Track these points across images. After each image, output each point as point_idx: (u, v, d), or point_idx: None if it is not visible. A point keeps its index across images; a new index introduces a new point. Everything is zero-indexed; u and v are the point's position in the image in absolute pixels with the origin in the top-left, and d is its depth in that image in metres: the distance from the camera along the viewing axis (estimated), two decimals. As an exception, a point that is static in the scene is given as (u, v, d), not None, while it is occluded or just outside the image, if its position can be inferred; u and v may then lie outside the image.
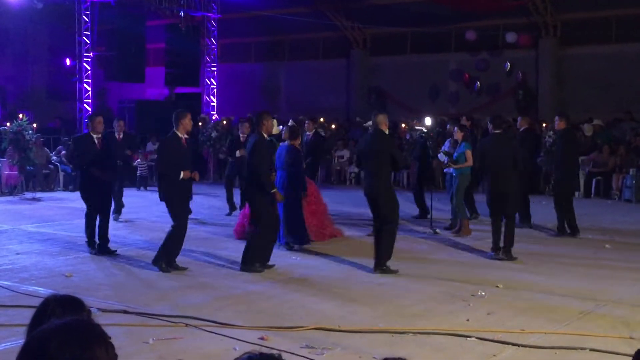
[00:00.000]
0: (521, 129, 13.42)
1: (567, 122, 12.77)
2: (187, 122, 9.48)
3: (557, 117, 12.91)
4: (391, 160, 9.47)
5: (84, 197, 10.80)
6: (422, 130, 14.53)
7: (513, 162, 10.30)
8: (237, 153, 14.14)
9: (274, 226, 9.70)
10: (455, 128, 12.82)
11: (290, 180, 10.85)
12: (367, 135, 10.10)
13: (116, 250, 10.56)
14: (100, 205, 10.63)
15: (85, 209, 10.72)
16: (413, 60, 26.48)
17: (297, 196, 10.86)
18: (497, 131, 10.73)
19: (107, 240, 10.62)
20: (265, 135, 9.54)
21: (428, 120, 14.46)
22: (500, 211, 10.42)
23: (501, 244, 10.40)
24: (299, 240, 10.99)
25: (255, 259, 9.44)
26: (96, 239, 10.61)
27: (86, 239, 10.69)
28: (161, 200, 9.58)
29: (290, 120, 12.64)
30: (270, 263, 9.60)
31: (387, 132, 9.81)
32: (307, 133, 15.11)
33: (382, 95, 27.00)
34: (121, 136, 13.67)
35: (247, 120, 15.37)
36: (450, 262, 10.25)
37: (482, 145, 11.10)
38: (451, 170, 12.59)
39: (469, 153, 12.26)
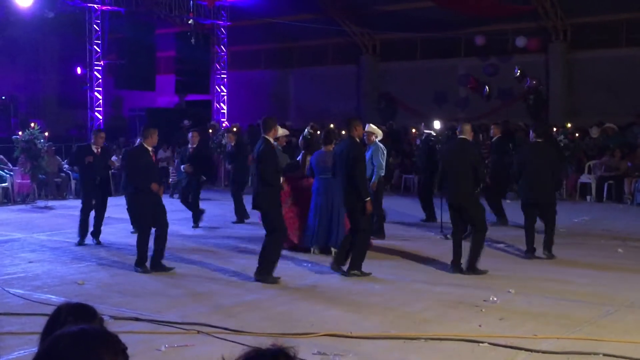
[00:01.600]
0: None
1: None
2: (277, 127, 9.77)
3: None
4: (474, 171, 9.73)
5: (141, 218, 10.22)
6: (430, 133, 14.50)
7: (551, 170, 10.76)
8: (182, 168, 13.91)
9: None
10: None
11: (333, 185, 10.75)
12: (451, 143, 10.42)
13: (173, 268, 9.93)
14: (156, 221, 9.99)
15: (139, 230, 10.04)
16: (423, 65, 26.48)
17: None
18: (539, 140, 11.03)
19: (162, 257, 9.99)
20: (357, 140, 9.61)
21: (437, 124, 14.42)
22: (534, 217, 10.85)
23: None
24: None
25: (360, 264, 9.46)
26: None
27: (138, 259, 9.89)
28: (257, 209, 9.43)
29: (307, 129, 12.56)
30: (289, 271, 9.67)
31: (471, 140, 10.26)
32: (230, 143, 15.39)
33: (392, 101, 27.00)
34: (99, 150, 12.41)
35: (197, 130, 15.22)
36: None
37: (521, 153, 11.43)
38: None
39: None
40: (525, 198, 11.08)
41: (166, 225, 9.96)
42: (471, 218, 9.82)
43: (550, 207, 10.85)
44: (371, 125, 12.96)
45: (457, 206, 9.78)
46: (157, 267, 9.78)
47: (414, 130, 20.97)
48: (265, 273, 9.10)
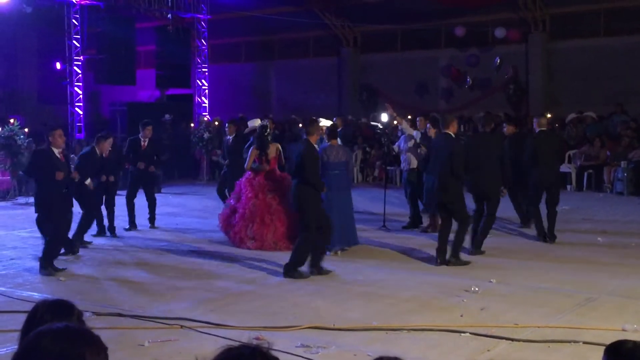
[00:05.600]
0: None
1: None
2: (455, 122, 10.32)
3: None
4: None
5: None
6: (377, 126, 14.33)
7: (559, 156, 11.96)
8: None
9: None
10: (428, 125, 12.26)
11: (346, 181, 10.81)
12: (541, 135, 11.36)
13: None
14: None
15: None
16: (403, 57, 26.49)
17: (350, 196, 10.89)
18: (544, 129, 11.73)
19: None
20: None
21: (384, 117, 14.02)
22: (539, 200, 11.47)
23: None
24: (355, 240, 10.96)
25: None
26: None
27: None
28: (446, 203, 9.74)
29: (261, 123, 11.90)
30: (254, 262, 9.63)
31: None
32: (228, 137, 14.17)
33: (373, 93, 27.00)
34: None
35: (150, 124, 14.52)
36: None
37: (533, 141, 11.65)
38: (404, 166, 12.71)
39: None
40: (536, 182, 11.43)
41: None
42: (557, 196, 11.24)
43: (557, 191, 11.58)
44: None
45: (551, 187, 11.10)
46: None
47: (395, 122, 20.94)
48: (456, 256, 9.70)
